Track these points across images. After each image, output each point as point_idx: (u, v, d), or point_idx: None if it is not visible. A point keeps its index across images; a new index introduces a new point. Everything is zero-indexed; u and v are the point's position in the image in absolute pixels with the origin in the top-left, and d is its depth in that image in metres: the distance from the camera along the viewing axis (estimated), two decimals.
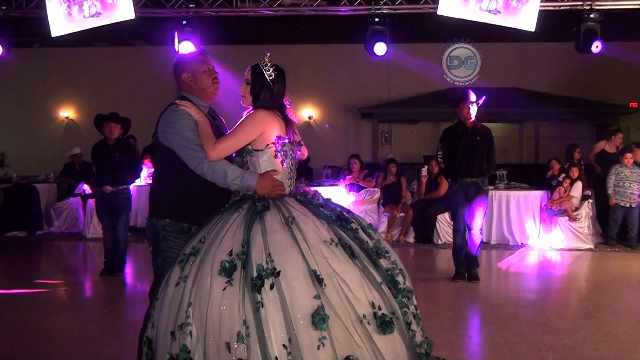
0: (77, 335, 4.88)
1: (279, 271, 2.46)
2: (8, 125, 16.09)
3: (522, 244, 9.34)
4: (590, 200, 9.29)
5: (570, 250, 8.83)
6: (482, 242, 7.01)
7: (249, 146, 2.98)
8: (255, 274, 2.47)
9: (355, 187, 10.28)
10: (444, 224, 9.34)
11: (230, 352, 2.39)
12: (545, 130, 14.99)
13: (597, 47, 8.43)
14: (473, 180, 6.76)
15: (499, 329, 4.86)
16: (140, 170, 7.58)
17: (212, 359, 2.43)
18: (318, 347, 2.35)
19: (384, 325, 2.44)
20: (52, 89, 16.25)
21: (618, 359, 4.11)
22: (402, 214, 9.89)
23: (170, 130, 3.08)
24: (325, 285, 2.44)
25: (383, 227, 9.86)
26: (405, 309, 2.61)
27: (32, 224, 10.77)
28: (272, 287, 2.43)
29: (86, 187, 10.74)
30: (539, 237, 9.31)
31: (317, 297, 2.41)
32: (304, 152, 3.19)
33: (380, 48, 8.93)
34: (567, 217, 9.00)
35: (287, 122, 3.07)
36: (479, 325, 5.14)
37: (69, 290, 6.78)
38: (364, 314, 2.44)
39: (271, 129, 2.98)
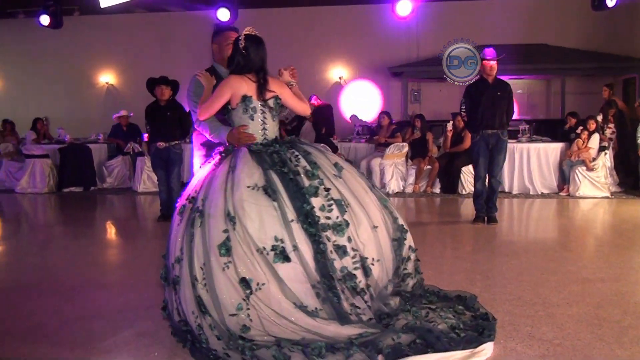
0: (143, 261, 5.71)
1: (204, 212, 3.29)
2: (52, 91, 16.93)
3: (541, 193, 9.96)
4: (607, 152, 9.81)
5: (587, 198, 9.42)
6: (500, 187, 7.62)
7: (229, 105, 3.69)
8: (192, 215, 3.35)
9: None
10: (468, 175, 9.96)
11: (172, 270, 3.39)
12: (572, 85, 15.24)
13: (611, 0, 8.69)
14: (494, 132, 7.34)
15: (509, 259, 5.55)
16: (190, 127, 8.32)
17: (164, 275, 3.54)
18: (223, 269, 3.12)
19: (281, 255, 3.14)
20: (93, 56, 16.97)
21: (613, 280, 4.75)
22: (428, 167, 10.55)
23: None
24: (235, 223, 3.18)
25: (411, 179, 10.56)
26: (324, 241, 3.21)
27: (87, 181, 11.73)
28: (200, 224, 3.28)
29: (135, 146, 11.60)
30: (558, 186, 9.93)
31: (226, 231, 3.17)
32: (296, 106, 3.89)
33: (403, 7, 9.19)
34: (584, 167, 9.55)
35: (261, 84, 3.68)
36: (492, 256, 5.78)
37: (133, 231, 7.67)
38: (263, 247, 3.14)
39: (239, 91, 3.64)
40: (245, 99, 3.65)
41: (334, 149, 10.95)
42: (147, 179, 11.06)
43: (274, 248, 3.15)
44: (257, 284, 3.10)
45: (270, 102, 3.72)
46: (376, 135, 11.34)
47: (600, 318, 3.85)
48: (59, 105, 16.72)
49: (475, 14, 15.08)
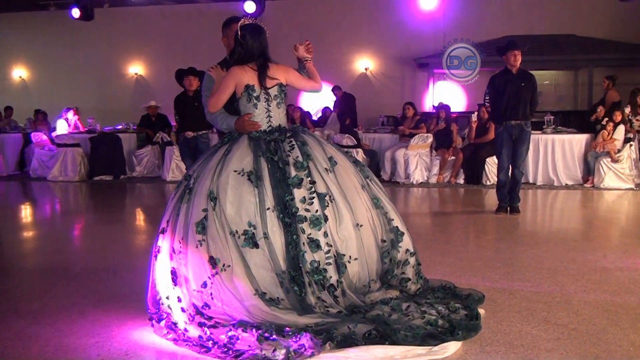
0: None
1: (192, 189, 3.47)
2: (82, 81, 17.30)
3: (565, 184, 9.96)
4: (632, 143, 9.77)
5: (611, 189, 9.41)
6: (524, 178, 7.66)
7: (236, 95, 3.79)
8: (184, 191, 3.52)
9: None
10: (492, 166, 9.96)
11: (156, 239, 3.59)
12: (600, 76, 15.03)
13: None
14: (517, 123, 7.36)
15: (530, 248, 5.64)
16: None
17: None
18: (197, 246, 3.30)
19: (250, 241, 3.25)
20: (122, 47, 17.29)
21: (632, 270, 4.81)
22: (452, 157, 10.61)
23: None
24: (215, 203, 3.33)
25: (435, 170, 10.63)
26: (298, 233, 3.30)
27: (117, 169, 12.01)
28: (187, 200, 3.46)
29: (163, 136, 11.84)
30: (582, 178, 9.93)
31: (205, 210, 3.34)
32: (305, 86, 3.97)
33: (427, 1, 9.18)
34: (609, 159, 9.53)
35: (261, 72, 3.75)
36: (513, 245, 5.84)
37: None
38: (236, 230, 3.28)
39: (242, 81, 3.74)
40: (248, 88, 3.74)
41: (358, 140, 11.06)
42: (175, 168, 11.30)
43: (245, 233, 3.28)
44: (223, 265, 3.25)
45: (274, 90, 3.79)
46: (400, 126, 11.40)
47: (616, 305, 3.92)
48: (89, 95, 17.07)
49: (502, 4, 15.03)
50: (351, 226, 3.47)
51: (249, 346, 3.05)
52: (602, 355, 3.13)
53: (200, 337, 3.21)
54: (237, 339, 3.11)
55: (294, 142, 3.62)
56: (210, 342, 3.15)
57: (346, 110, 12.50)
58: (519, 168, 7.47)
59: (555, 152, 10.16)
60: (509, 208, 7.50)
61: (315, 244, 3.31)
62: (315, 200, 3.39)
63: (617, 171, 9.50)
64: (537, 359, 3.09)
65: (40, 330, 3.63)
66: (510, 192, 7.51)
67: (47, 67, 17.79)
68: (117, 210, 8.85)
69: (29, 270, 5.35)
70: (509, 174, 7.54)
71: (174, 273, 3.39)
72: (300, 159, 3.52)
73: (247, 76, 3.74)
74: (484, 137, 10.31)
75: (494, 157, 9.71)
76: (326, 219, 3.37)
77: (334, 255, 3.36)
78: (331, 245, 3.36)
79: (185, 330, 3.29)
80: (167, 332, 3.38)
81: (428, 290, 3.80)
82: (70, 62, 17.39)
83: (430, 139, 10.75)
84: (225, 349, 3.08)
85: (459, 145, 10.87)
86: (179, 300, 3.36)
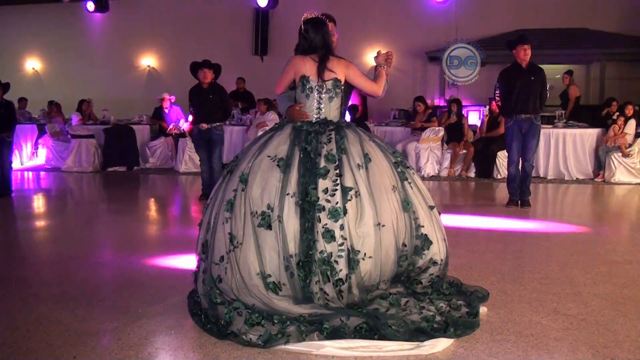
0: (189, 236, 6.01)
1: (232, 170, 3.66)
2: (95, 73, 17.42)
3: (576, 178, 9.99)
4: None
5: (622, 184, 9.44)
6: (534, 172, 7.71)
7: (295, 83, 3.93)
8: (227, 172, 3.72)
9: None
10: (503, 160, 10.02)
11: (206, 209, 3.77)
12: (612, 71, 15.06)
13: None
14: (527, 117, 7.43)
15: (540, 241, 5.72)
16: (231, 110, 8.59)
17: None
18: (223, 223, 3.45)
19: (265, 222, 3.34)
20: (134, 39, 17.39)
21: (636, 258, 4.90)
22: (464, 151, 10.66)
23: None
24: (244, 185, 3.47)
25: (446, 163, 10.68)
26: (315, 222, 3.32)
27: (130, 160, 12.15)
28: (227, 180, 3.65)
29: (177, 127, 11.95)
30: (593, 172, 9.95)
31: (235, 190, 3.49)
32: (364, 85, 4.05)
33: None
34: (620, 153, 9.55)
35: (321, 64, 3.86)
36: (523, 237, 5.91)
37: (176, 209, 8.00)
38: (256, 210, 3.39)
39: (299, 71, 3.88)
40: (303, 78, 3.86)
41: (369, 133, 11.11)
42: (188, 160, 11.44)
43: (262, 214, 3.37)
44: (237, 242, 3.36)
45: (328, 84, 3.86)
46: (412, 120, 11.45)
47: (625, 297, 3.99)
48: (102, 87, 17.20)
49: None
50: (372, 224, 3.42)
51: (238, 329, 3.20)
52: (610, 345, 3.20)
53: (205, 309, 3.42)
54: (233, 319, 3.25)
55: (332, 136, 3.66)
56: (213, 318, 3.35)
57: (356, 103, 12.54)
58: (529, 161, 7.53)
59: (566, 146, 10.21)
60: (519, 201, 7.57)
61: (330, 235, 3.30)
62: (338, 193, 3.40)
63: (628, 166, 9.53)
64: (547, 348, 3.15)
65: (62, 315, 3.72)
66: (520, 185, 7.57)
67: (60, 59, 17.93)
68: (132, 201, 8.98)
69: (48, 258, 5.46)
70: (519, 167, 7.60)
71: (205, 246, 3.56)
72: (333, 151, 3.54)
73: (305, 67, 3.87)
74: (495, 131, 10.36)
75: (505, 150, 9.77)
76: (345, 212, 3.37)
77: (348, 249, 3.34)
78: (346, 239, 3.34)
79: (198, 300, 3.52)
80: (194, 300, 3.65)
81: (434, 288, 3.73)
82: (83, 54, 17.53)
83: (442, 133, 10.80)
84: (223, 329, 3.26)
85: (470, 139, 10.92)
86: (204, 272, 3.52)
